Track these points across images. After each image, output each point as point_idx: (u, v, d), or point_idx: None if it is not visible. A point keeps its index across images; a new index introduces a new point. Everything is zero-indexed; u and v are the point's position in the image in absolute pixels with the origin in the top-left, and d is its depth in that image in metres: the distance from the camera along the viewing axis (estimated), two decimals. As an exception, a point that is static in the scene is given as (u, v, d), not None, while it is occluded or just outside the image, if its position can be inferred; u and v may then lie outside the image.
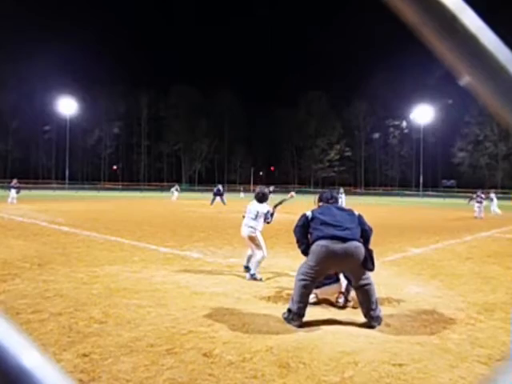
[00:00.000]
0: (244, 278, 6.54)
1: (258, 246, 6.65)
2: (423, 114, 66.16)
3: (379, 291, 5.89)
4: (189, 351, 3.64)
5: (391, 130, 78.76)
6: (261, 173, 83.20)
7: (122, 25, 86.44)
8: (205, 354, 3.58)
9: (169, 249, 9.07)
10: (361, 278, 4.49)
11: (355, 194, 61.96)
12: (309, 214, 4.79)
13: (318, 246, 4.44)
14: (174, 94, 77.57)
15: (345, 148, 79.53)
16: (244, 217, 6.91)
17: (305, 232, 4.76)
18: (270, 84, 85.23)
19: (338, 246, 4.37)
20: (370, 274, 4.60)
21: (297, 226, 4.86)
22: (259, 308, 4.96)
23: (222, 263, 7.72)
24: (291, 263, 7.82)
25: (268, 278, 6.55)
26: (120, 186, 63.80)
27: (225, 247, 9.50)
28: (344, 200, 12.68)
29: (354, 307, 5.05)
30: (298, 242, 4.87)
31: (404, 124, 77.08)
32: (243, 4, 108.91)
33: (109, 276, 6.38)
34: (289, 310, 4.48)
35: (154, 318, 4.48)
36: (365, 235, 4.67)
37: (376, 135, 78.25)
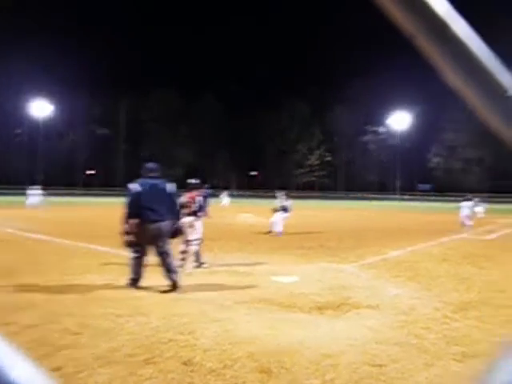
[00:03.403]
0: (226, 283, 6.52)
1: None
2: (400, 120, 67.75)
3: (359, 294, 5.97)
4: (168, 360, 3.60)
5: (370, 135, 79.98)
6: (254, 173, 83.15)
7: (100, 25, 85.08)
8: (185, 363, 3.55)
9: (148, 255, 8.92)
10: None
11: (335, 198, 62.53)
12: None
13: None
14: (154, 97, 76.56)
15: (325, 153, 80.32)
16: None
17: None
18: (252, 88, 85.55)
19: None
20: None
21: None
22: (241, 314, 4.95)
23: (203, 270, 7.67)
24: (272, 268, 7.84)
25: (250, 284, 6.54)
26: (96, 192, 62.58)
27: (205, 253, 9.44)
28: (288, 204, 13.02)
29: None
30: None
31: (382, 130, 78.42)
32: (225, 8, 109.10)
33: (84, 285, 6.24)
34: None
35: (132, 327, 4.41)
36: None
37: (355, 141, 79.32)
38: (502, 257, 9.58)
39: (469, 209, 16.71)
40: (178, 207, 6.44)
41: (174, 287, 5.96)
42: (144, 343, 3.94)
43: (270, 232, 13.42)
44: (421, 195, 64.53)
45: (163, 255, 6.05)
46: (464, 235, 14.21)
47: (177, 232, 6.38)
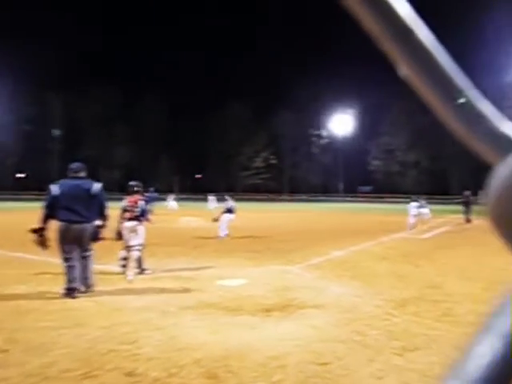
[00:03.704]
0: (170, 289, 6.35)
1: None
2: (342, 124, 70.62)
3: (305, 294, 6.05)
4: (110, 372, 3.42)
5: (314, 138, 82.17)
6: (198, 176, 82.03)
7: (33, 21, 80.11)
8: (128, 374, 3.39)
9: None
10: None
11: (281, 200, 63.49)
12: None
13: None
14: (92, 96, 73.33)
15: (270, 156, 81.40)
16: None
17: None
18: (196, 91, 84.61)
19: None
20: None
21: None
22: (186, 320, 4.83)
23: (145, 276, 7.42)
24: (219, 272, 7.76)
25: (195, 289, 6.42)
26: (27, 196, 58.77)
27: (148, 259, 9.13)
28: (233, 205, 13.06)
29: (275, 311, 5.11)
30: None
31: (326, 133, 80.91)
32: (172, 7, 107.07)
33: (16, 297, 5.78)
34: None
35: (68, 340, 4.14)
36: None
37: (300, 144, 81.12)
38: (436, 255, 10.15)
39: (416, 209, 17.82)
40: (104, 209, 6.19)
41: (86, 292, 5.90)
42: (82, 356, 3.72)
43: (222, 237, 13.18)
44: (362, 197, 67.19)
45: (82, 258, 5.94)
46: (402, 235, 14.92)
47: (98, 234, 6.13)
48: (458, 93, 0.34)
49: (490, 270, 7.94)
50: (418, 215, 18.15)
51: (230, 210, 13.43)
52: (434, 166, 69.80)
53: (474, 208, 21.73)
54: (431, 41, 0.34)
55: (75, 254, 5.90)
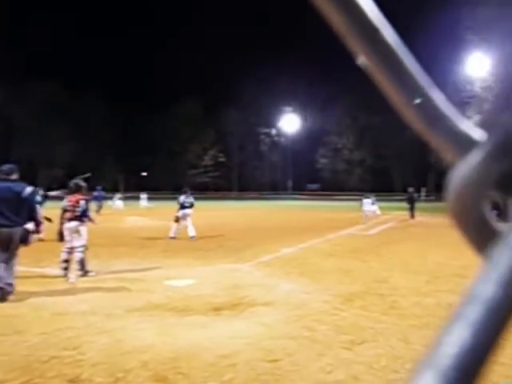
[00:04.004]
0: (115, 291, 6.13)
1: None
2: (291, 123, 71.82)
3: (255, 292, 6.08)
4: (51, 380, 3.25)
5: (262, 137, 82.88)
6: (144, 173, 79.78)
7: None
8: (71, 380, 3.24)
9: (24, 266, 7.94)
10: None
11: (229, 198, 63.50)
12: None
13: None
14: (29, 91, 69.02)
15: (218, 154, 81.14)
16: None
17: None
18: (142, 88, 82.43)
19: None
20: None
21: None
22: (133, 322, 4.68)
23: (88, 278, 7.11)
24: (166, 272, 7.61)
25: (142, 290, 6.25)
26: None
27: (91, 260, 8.76)
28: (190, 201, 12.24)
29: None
30: None
31: (274, 132, 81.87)
32: (116, 8, 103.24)
33: None
34: None
35: (6, 347, 3.89)
36: None
37: (248, 142, 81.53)
38: (382, 250, 10.56)
39: (370, 205, 19.72)
40: (34, 213, 5.97)
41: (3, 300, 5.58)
42: (21, 364, 3.50)
43: (192, 237, 12.28)
44: (309, 195, 68.71)
45: (5, 261, 5.69)
46: (349, 231, 15.42)
47: (28, 238, 5.88)
48: (419, 91, 0.35)
49: (433, 264, 8.40)
50: (370, 211, 19.80)
51: (182, 206, 12.55)
52: (378, 165, 72.83)
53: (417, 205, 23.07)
54: (395, 39, 0.34)
55: (1, 257, 5.64)
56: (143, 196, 34.23)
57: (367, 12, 0.33)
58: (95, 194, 25.85)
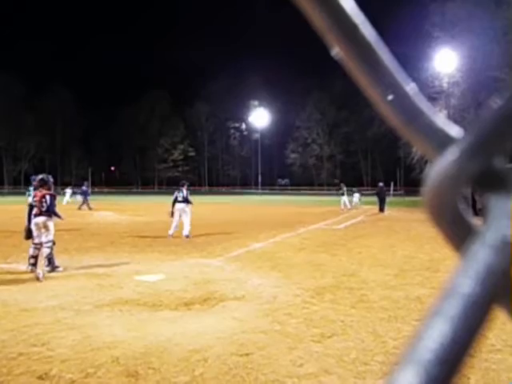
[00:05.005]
0: (85, 287, 6.00)
1: None
2: (260, 118, 71.93)
3: (225, 286, 6.08)
4: (20, 377, 3.18)
5: (232, 131, 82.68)
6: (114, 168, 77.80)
7: None
8: (40, 377, 3.19)
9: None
10: None
11: (200, 193, 63.13)
12: None
13: None
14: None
15: (188, 148, 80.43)
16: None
17: None
18: (110, 83, 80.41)
19: None
20: None
21: None
22: (103, 318, 4.61)
23: (56, 274, 6.94)
24: (136, 267, 7.51)
25: (111, 285, 6.14)
26: None
27: (60, 256, 8.55)
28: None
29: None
30: None
31: (243, 126, 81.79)
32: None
33: None
34: None
35: (-31, 346, 3.76)
36: None
37: (217, 136, 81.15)
38: (351, 244, 10.76)
39: (357, 198, 24.27)
40: None
41: None
42: (-15, 363, 3.39)
43: (187, 237, 11.50)
44: (280, 189, 69.13)
45: None
46: (319, 225, 15.62)
47: None
48: (395, 87, 0.35)
49: (401, 258, 8.62)
50: (355, 202, 24.33)
51: (175, 200, 11.78)
52: (347, 160, 73.98)
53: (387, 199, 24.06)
54: (374, 36, 0.34)
55: None
56: (68, 191, 32.28)
57: (345, 7, 0.33)
58: (84, 188, 25.92)
